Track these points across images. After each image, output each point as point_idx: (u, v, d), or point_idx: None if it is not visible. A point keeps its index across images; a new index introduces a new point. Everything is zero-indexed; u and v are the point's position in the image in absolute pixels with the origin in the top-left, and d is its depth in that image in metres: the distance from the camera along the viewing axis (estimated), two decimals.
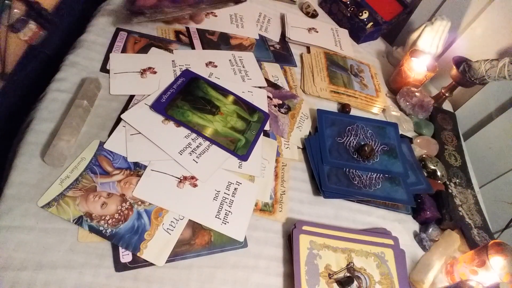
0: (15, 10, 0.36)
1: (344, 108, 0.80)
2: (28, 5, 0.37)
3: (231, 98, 0.67)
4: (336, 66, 0.88)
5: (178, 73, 0.68)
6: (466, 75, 0.84)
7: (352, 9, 1.01)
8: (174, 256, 0.49)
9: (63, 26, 0.57)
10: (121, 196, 0.51)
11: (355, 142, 0.72)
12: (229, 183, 0.58)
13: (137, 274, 0.47)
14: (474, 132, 0.97)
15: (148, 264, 0.47)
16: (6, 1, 0.35)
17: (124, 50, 0.68)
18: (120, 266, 0.46)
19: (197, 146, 0.59)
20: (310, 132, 0.73)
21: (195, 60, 0.72)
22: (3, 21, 0.35)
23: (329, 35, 0.96)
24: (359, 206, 0.66)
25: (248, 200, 0.58)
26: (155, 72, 0.66)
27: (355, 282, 0.53)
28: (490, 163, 0.95)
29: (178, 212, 0.52)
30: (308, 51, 0.90)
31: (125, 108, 0.60)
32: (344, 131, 0.73)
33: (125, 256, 0.47)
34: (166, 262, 0.48)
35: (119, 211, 0.50)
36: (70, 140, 0.52)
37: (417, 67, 0.86)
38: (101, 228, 0.48)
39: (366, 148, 0.68)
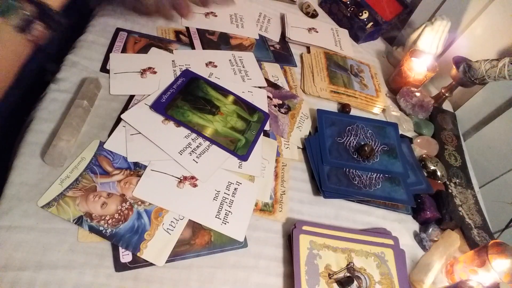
0: (22, 11, 0.36)
1: (344, 108, 0.80)
2: (35, 5, 0.37)
3: (231, 98, 0.67)
4: (336, 66, 0.88)
5: (178, 73, 0.67)
6: (466, 75, 0.84)
7: (352, 9, 1.01)
8: (174, 256, 0.49)
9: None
10: (121, 196, 0.51)
11: (355, 142, 0.71)
12: (229, 183, 0.58)
13: (137, 274, 0.47)
14: (474, 132, 0.97)
15: (148, 264, 0.47)
16: (12, 1, 0.34)
17: (124, 50, 0.68)
18: (120, 266, 0.46)
19: (197, 146, 0.59)
20: (310, 132, 0.73)
21: (195, 60, 0.72)
22: (10, 21, 0.35)
23: (329, 35, 0.96)
24: (359, 206, 0.66)
25: (248, 200, 0.58)
26: (155, 72, 0.66)
27: (355, 282, 0.53)
28: (490, 163, 0.95)
29: (178, 212, 0.52)
30: (308, 51, 0.90)
31: (125, 108, 0.60)
32: (344, 131, 0.73)
33: (125, 256, 0.47)
34: (166, 262, 0.48)
35: (119, 211, 0.50)
36: (70, 140, 0.52)
37: (417, 67, 0.86)
38: (101, 228, 0.48)
39: (366, 148, 0.68)
